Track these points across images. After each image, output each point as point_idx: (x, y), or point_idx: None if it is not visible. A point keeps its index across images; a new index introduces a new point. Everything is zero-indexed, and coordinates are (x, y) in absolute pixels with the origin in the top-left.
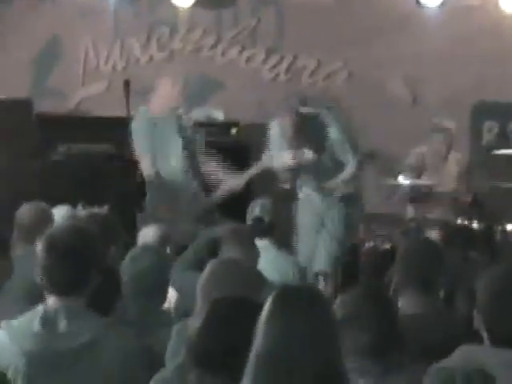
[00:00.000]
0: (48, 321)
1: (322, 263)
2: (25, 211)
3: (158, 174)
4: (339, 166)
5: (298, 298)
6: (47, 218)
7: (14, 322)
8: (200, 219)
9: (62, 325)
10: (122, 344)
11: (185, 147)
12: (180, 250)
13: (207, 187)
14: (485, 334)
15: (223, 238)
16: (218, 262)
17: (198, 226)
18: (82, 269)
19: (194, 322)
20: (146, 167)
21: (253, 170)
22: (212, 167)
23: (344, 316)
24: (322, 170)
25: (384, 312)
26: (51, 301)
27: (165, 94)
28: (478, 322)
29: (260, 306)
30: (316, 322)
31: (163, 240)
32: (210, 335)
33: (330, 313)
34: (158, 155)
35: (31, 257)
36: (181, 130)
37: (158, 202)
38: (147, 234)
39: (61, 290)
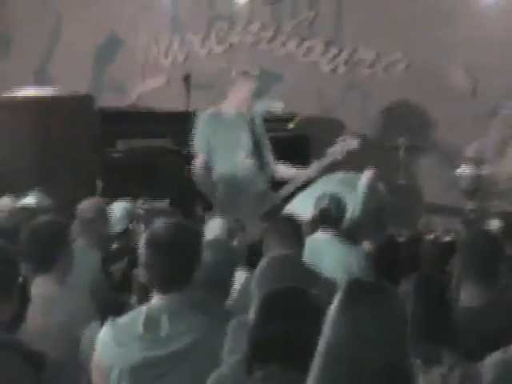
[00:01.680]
0: (151, 322)
1: None
2: (85, 206)
3: (208, 172)
4: None
5: (368, 292)
6: (104, 214)
7: (119, 322)
8: (267, 215)
9: (165, 326)
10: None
11: (255, 144)
12: (249, 245)
13: (275, 183)
14: None
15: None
16: (271, 256)
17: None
18: (184, 265)
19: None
20: (196, 165)
21: (321, 163)
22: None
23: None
24: None
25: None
26: (155, 299)
27: (241, 95)
28: None
29: (315, 296)
30: (386, 317)
31: (230, 233)
32: (266, 327)
33: (401, 309)
34: (225, 153)
35: (90, 250)
36: (251, 127)
37: (226, 197)
38: (214, 227)
39: (164, 287)
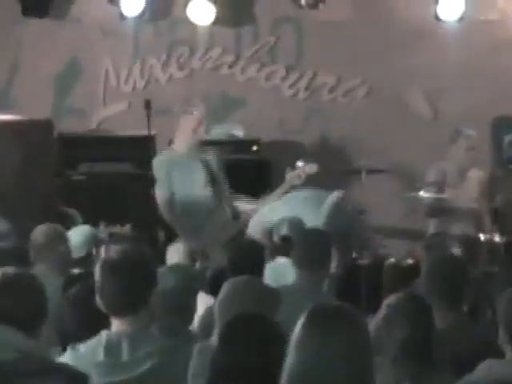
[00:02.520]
0: (112, 348)
1: None
2: (39, 232)
3: (173, 209)
4: None
5: (331, 317)
6: (60, 239)
7: (79, 350)
8: (231, 242)
9: (126, 352)
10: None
11: (210, 178)
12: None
13: (235, 214)
14: (508, 349)
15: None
16: (234, 280)
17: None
18: (138, 289)
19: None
20: (159, 202)
21: (280, 189)
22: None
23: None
24: None
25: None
26: (114, 325)
27: (186, 132)
28: (502, 337)
29: (276, 323)
30: (350, 341)
31: (192, 258)
32: (227, 353)
33: (364, 332)
34: (181, 189)
35: (49, 275)
36: (205, 162)
37: (189, 227)
38: (176, 252)
39: (120, 311)
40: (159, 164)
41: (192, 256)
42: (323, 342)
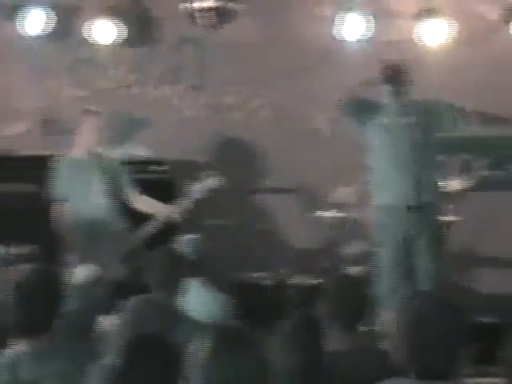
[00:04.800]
0: (15, 369)
1: None
2: None
3: (68, 219)
4: None
5: (231, 338)
6: None
7: None
8: (128, 256)
9: (29, 372)
10: None
11: (109, 187)
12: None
13: (136, 224)
14: (410, 368)
15: None
16: (135, 299)
17: (127, 262)
18: (42, 310)
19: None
20: (55, 214)
21: (184, 202)
22: (141, 202)
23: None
24: None
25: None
26: (18, 345)
27: (85, 137)
28: (400, 355)
29: (174, 344)
30: (249, 363)
31: (95, 279)
32: (125, 372)
33: (262, 354)
34: (77, 198)
35: None
36: (103, 169)
37: (84, 242)
38: (79, 275)
39: (24, 332)
40: (58, 167)
41: (95, 277)
42: (223, 362)
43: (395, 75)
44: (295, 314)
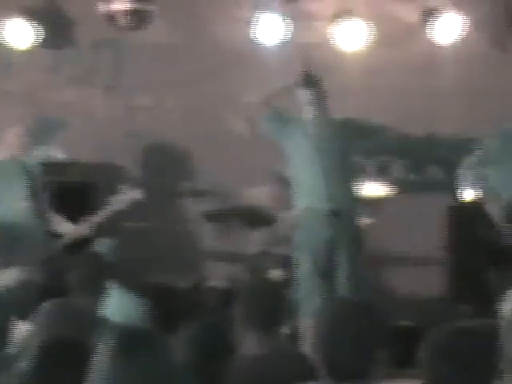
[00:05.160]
0: None
1: None
2: None
3: None
4: None
5: (138, 340)
6: None
7: None
8: (49, 259)
9: None
10: None
11: (29, 190)
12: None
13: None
14: (323, 370)
15: None
16: (50, 303)
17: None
18: None
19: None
20: None
21: (102, 214)
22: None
23: None
24: None
25: None
26: None
27: (7, 141)
28: (316, 358)
29: (90, 347)
30: (153, 365)
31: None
32: (37, 376)
33: (169, 355)
34: (2, 201)
35: None
36: (25, 173)
37: (6, 246)
38: (3, 279)
39: None
40: None
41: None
42: (125, 365)
43: (312, 81)
44: (208, 317)
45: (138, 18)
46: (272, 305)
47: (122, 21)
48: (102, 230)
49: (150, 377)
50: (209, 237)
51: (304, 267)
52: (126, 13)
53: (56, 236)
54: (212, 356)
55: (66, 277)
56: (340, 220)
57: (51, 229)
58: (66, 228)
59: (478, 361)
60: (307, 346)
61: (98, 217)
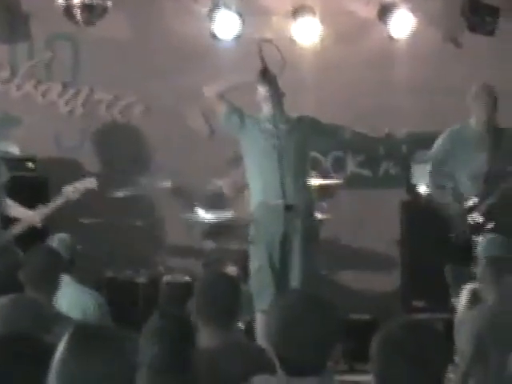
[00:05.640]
0: None
1: None
2: None
3: None
4: None
5: (94, 336)
6: None
7: None
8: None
9: None
10: None
11: None
12: None
13: (6, 221)
14: (277, 364)
15: None
16: (7, 298)
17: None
18: None
19: None
20: None
21: (52, 204)
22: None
23: None
24: None
25: None
26: None
27: None
28: (271, 352)
29: (45, 344)
30: (111, 362)
31: None
32: None
33: (126, 351)
34: None
35: None
36: None
37: None
38: None
39: None
40: None
41: None
42: (82, 362)
43: (268, 78)
44: (165, 311)
45: (96, 12)
46: (227, 299)
47: (80, 15)
48: (57, 225)
49: (106, 374)
50: (166, 231)
51: (258, 262)
52: (84, 7)
53: (8, 224)
54: (172, 350)
55: (21, 272)
56: (294, 215)
57: (5, 213)
58: (19, 213)
59: (427, 355)
60: (262, 339)
61: (52, 206)
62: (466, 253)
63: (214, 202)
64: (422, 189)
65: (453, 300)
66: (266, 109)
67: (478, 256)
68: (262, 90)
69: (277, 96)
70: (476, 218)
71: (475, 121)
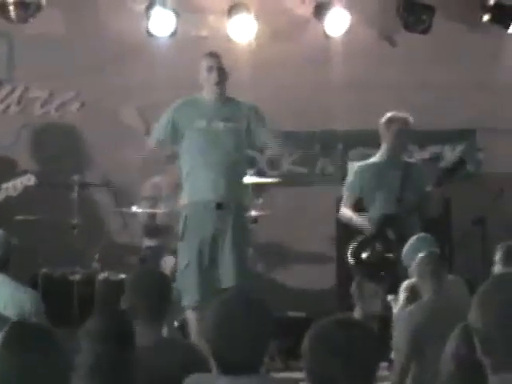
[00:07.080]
0: None
1: None
2: None
3: None
4: None
5: (31, 335)
6: None
7: None
8: None
9: None
10: None
11: None
12: None
13: None
14: (212, 362)
15: None
16: None
17: None
18: None
19: None
20: None
21: None
22: None
23: None
24: None
25: None
26: None
27: None
28: (206, 350)
29: None
30: (47, 360)
31: None
32: None
33: (62, 350)
34: None
35: None
36: None
37: None
38: None
39: None
40: None
41: None
42: (19, 360)
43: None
44: (105, 311)
45: (30, 9)
46: (156, 295)
47: (14, 12)
48: None
49: (42, 372)
50: (103, 228)
51: (187, 258)
52: (18, 4)
53: None
54: (114, 350)
55: None
56: (226, 213)
57: None
58: None
59: (357, 352)
60: (194, 337)
61: None
62: (375, 270)
63: (151, 198)
64: None
65: (388, 297)
66: (208, 86)
67: (406, 257)
68: (208, 62)
69: (222, 72)
70: (390, 234)
71: (385, 147)
